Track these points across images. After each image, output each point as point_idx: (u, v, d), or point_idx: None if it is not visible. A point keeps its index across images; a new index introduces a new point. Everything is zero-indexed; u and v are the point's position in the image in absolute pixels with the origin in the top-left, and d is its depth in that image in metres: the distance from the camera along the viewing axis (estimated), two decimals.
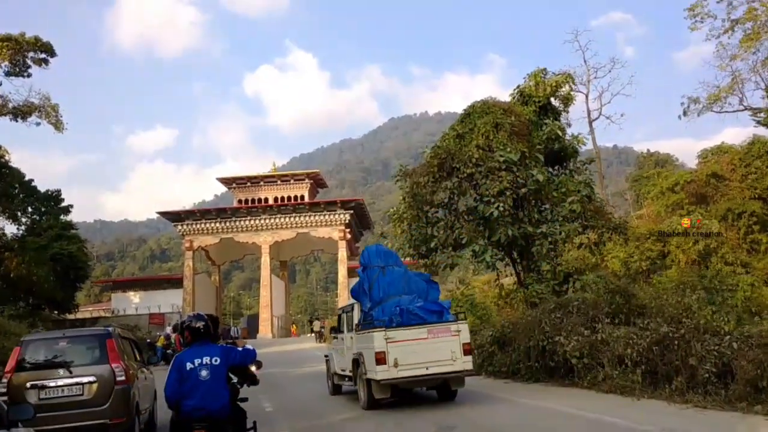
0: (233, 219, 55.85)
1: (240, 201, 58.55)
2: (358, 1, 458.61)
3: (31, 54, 45.21)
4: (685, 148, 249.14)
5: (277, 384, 18.57)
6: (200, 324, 5.81)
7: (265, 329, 53.37)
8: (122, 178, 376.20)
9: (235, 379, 6.14)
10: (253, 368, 6.39)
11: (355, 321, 13.39)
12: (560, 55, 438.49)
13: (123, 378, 9.34)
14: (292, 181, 59.75)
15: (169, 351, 31.58)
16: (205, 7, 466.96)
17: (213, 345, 5.83)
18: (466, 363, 11.65)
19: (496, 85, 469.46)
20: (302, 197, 58.49)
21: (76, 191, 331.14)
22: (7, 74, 45.17)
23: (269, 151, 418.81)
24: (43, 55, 45.47)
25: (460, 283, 26.52)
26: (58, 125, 46.22)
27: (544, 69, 21.26)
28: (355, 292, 13.80)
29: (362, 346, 12.42)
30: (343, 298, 53.80)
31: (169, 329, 35.88)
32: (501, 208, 17.04)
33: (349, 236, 56.05)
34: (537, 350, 13.37)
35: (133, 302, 56.40)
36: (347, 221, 55.30)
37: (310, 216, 55.33)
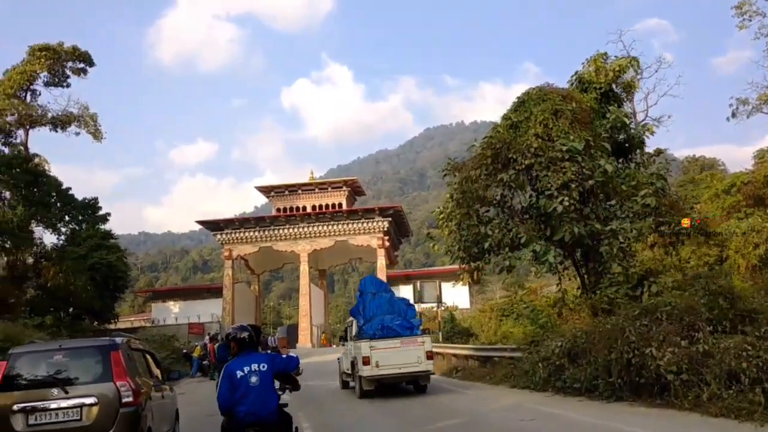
0: (272, 228, 54.42)
1: (278, 210, 57.15)
2: (391, 14, 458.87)
3: (69, 64, 44.60)
4: (727, 154, 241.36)
5: (314, 398, 16.63)
6: (245, 334, 6.05)
7: (304, 339, 51.65)
8: (164, 191, 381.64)
9: (277, 385, 6.14)
10: (294, 374, 6.46)
11: (353, 333, 17.39)
12: None
13: (130, 398, 7.49)
14: (329, 189, 58.16)
15: (205, 362, 29.95)
16: (242, 24, 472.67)
17: (258, 353, 6.11)
18: (429, 365, 15.99)
19: None
20: (340, 205, 56.84)
21: (121, 205, 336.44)
22: (47, 84, 44.57)
23: (306, 163, 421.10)
24: (81, 65, 44.82)
25: (519, 287, 24.68)
26: (96, 135, 45.49)
27: (605, 53, 19.05)
28: (353, 312, 17.81)
29: (356, 352, 16.21)
30: None
31: (206, 339, 34.32)
32: (566, 203, 14.88)
33: (387, 244, 54.10)
34: (620, 364, 11.16)
35: (173, 312, 55.32)
36: (385, 229, 53.39)
37: (348, 224, 53.60)
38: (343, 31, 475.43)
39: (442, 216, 18.25)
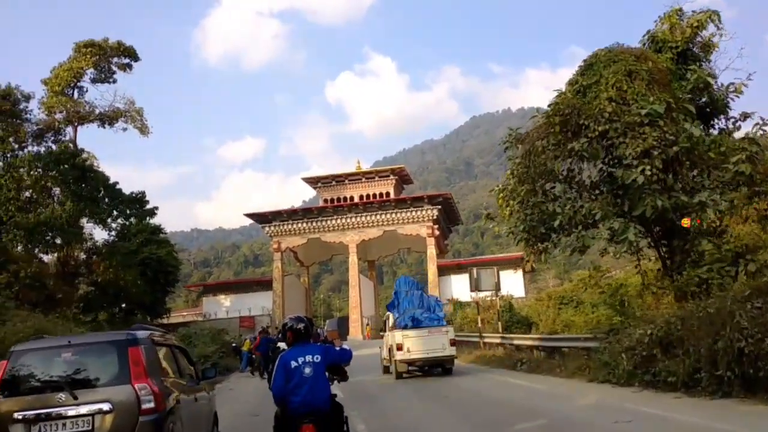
0: (319, 219, 53.40)
1: (325, 201, 56.13)
2: (433, 3, 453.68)
3: (114, 59, 44.17)
4: None
5: (368, 396, 15.20)
6: (301, 326, 6.02)
7: (355, 330, 50.50)
8: (214, 188, 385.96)
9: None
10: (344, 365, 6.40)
11: (390, 325, 20.23)
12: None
13: (151, 404, 6.12)
14: (377, 178, 56.79)
15: (254, 356, 28.95)
16: (286, 20, 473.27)
17: (313, 344, 6.08)
18: (452, 351, 18.47)
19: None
20: (387, 194, 55.45)
21: (173, 203, 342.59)
22: (93, 81, 44.23)
23: (352, 155, 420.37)
24: (126, 60, 44.32)
25: (594, 269, 22.83)
26: (143, 129, 45.00)
27: (680, 9, 16.94)
28: (389, 307, 21.13)
29: (392, 341, 18.70)
30: None
31: (257, 332, 33.33)
32: (647, 173, 13.00)
33: (437, 233, 52.47)
34: (730, 354, 9.35)
35: (224, 306, 54.92)
36: (435, 217, 51.74)
37: (396, 213, 52.17)
38: (385, 23, 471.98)
39: (502, 195, 16.55)
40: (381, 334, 23.49)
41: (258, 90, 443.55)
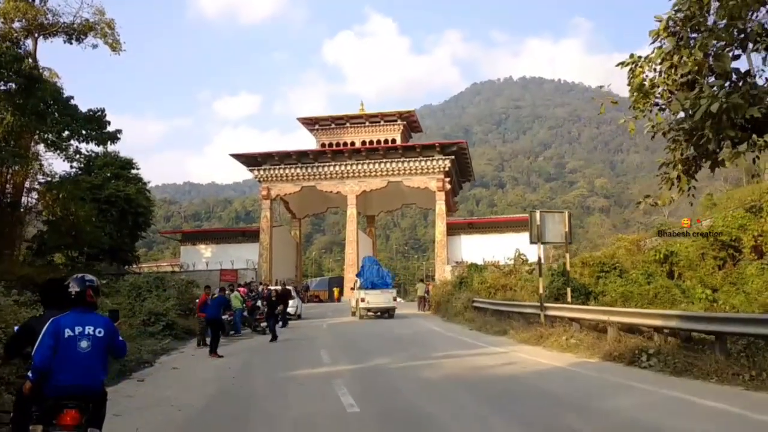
0: (316, 165, 46.11)
1: (323, 146, 48.76)
2: None
3: None
4: None
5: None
6: (78, 289, 4.53)
7: (351, 292, 43.60)
8: (208, 142, 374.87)
9: None
10: None
11: (357, 286, 28.31)
12: (650, 14, 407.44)
13: None
14: (382, 123, 49.35)
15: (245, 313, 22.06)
16: None
17: (99, 315, 4.65)
18: (394, 304, 27.44)
19: (582, 50, 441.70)
20: (393, 141, 48.14)
21: (167, 154, 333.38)
22: None
23: None
24: None
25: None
26: (114, 46, 37.07)
27: None
28: (358, 275, 29.91)
29: (358, 296, 27.30)
30: (442, 258, 43.45)
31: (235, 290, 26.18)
32: None
33: (448, 187, 45.32)
34: None
35: (205, 256, 47.89)
36: (447, 169, 44.57)
37: (403, 162, 44.96)
38: None
39: (640, 67, 9.37)
40: (352, 289, 32.32)
41: (255, 45, 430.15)
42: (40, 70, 33.05)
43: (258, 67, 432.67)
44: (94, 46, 37.15)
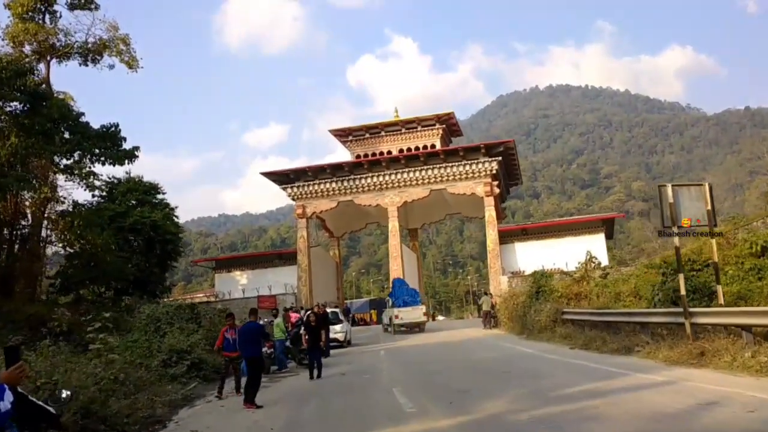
0: (352, 177, 42.27)
1: (358, 157, 44.96)
2: None
3: None
4: None
5: None
6: None
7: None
8: (240, 175, 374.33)
9: None
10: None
11: (390, 305, 30.76)
12: (674, 17, 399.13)
13: None
14: (419, 128, 45.39)
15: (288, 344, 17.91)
16: (305, 2, 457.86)
17: None
18: (424, 318, 31.04)
19: (607, 54, 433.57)
20: (432, 147, 44.13)
21: (201, 188, 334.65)
22: (70, 7, 33.53)
23: None
24: None
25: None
26: (131, 63, 34.00)
27: None
28: (390, 295, 32.04)
29: (392, 312, 29.63)
30: (496, 269, 39.07)
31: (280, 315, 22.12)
32: None
33: (497, 191, 40.99)
34: None
35: (240, 283, 44.27)
36: (494, 171, 40.30)
37: (445, 168, 40.84)
38: (405, 3, 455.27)
39: None
40: (385, 309, 34.54)
41: (279, 75, 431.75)
42: (55, 95, 30.13)
43: (284, 95, 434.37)
44: (111, 67, 34.10)
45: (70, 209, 27.68)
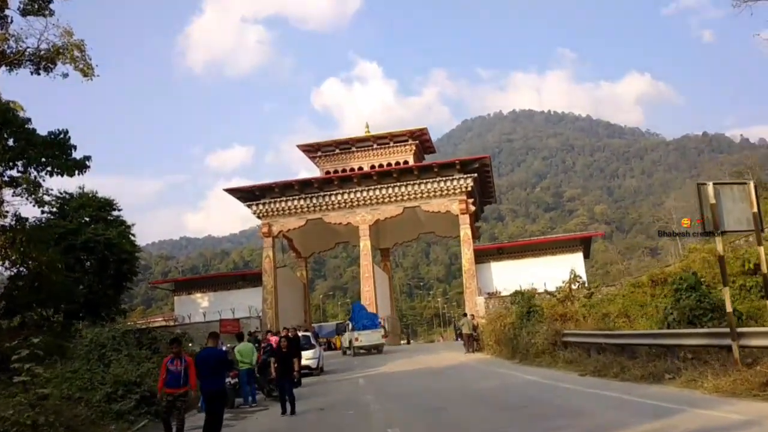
0: (322, 194, 40.14)
1: (328, 173, 42.88)
2: (416, 9, 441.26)
3: None
4: None
5: None
6: None
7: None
8: (202, 197, 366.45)
9: None
10: None
11: (350, 328, 31.81)
12: (633, 46, 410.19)
13: None
14: (391, 144, 43.59)
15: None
16: (270, 26, 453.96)
17: None
18: (383, 341, 31.05)
19: (568, 80, 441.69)
20: (405, 163, 42.35)
21: (163, 211, 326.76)
22: (23, 12, 30.85)
23: None
24: None
25: None
26: (86, 71, 31.04)
27: None
28: (350, 319, 33.08)
29: (352, 335, 30.74)
30: (472, 290, 37.26)
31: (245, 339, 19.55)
32: None
33: (472, 208, 39.35)
34: None
35: (201, 306, 41.46)
36: (469, 188, 38.67)
37: (419, 184, 39.05)
38: (370, 29, 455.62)
39: None
40: (344, 332, 34.56)
41: (243, 97, 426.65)
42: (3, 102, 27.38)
43: (248, 117, 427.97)
44: (65, 75, 31.09)
45: (12, 224, 24.91)
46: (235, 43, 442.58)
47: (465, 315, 28.90)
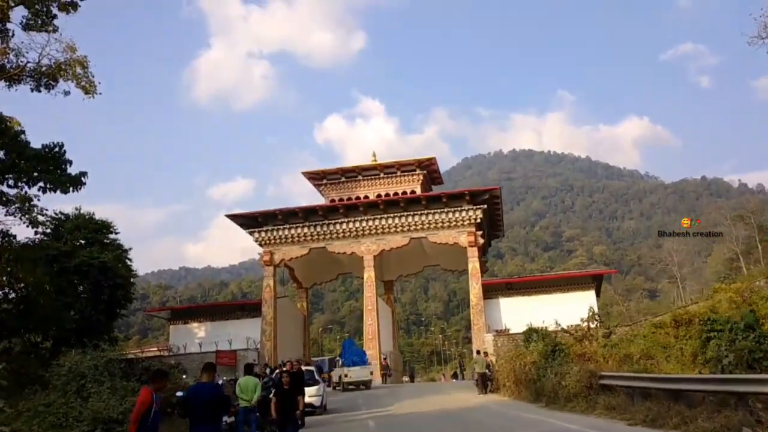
0: (326, 222, 38.48)
1: (332, 202, 41.30)
2: (419, 49, 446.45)
3: None
4: None
5: None
6: None
7: (374, 371, 35.04)
8: (203, 228, 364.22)
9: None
10: None
11: (340, 364, 32.51)
12: (632, 90, 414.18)
13: None
14: (398, 173, 42.14)
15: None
16: (275, 61, 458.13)
17: None
18: (371, 377, 31.91)
19: (567, 122, 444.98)
20: (413, 193, 40.82)
21: (163, 240, 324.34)
22: (26, 27, 29.66)
23: None
24: None
25: None
26: (88, 88, 29.67)
27: None
28: (341, 355, 33.63)
29: (341, 371, 31.64)
30: (479, 326, 35.38)
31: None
32: None
33: (481, 241, 37.68)
34: None
35: (198, 336, 39.40)
36: (478, 220, 37.06)
37: (427, 215, 37.45)
38: (373, 67, 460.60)
39: None
40: (334, 368, 35.24)
41: (247, 130, 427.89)
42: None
43: (250, 150, 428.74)
44: (66, 93, 29.66)
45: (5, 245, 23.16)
46: (240, 77, 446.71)
47: (478, 352, 26.71)
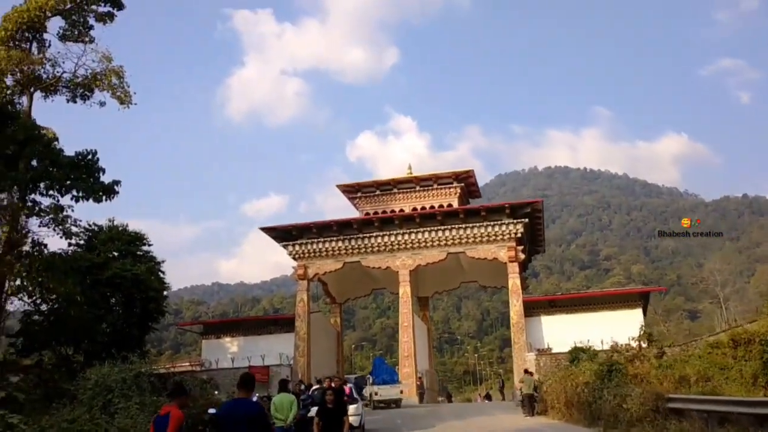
0: (361, 236, 37.61)
1: (367, 215, 40.48)
2: (451, 65, 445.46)
3: (93, 6, 29.91)
4: None
5: None
6: None
7: (409, 390, 33.86)
8: (237, 243, 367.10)
9: None
10: None
11: (371, 382, 31.97)
12: (669, 105, 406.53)
13: None
14: (435, 186, 41.14)
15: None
16: (308, 78, 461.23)
17: None
18: (401, 396, 31.33)
19: (604, 138, 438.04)
20: (449, 206, 39.76)
21: (197, 256, 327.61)
22: (62, 37, 29.79)
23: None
24: (107, 8, 29.98)
25: None
26: (124, 98, 29.72)
27: None
28: (371, 373, 33.55)
29: (372, 390, 30.98)
30: (520, 345, 33.99)
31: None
32: None
33: (522, 256, 36.34)
34: None
35: (230, 351, 38.74)
36: (519, 235, 35.75)
37: (465, 229, 36.28)
38: (406, 83, 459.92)
39: None
40: (367, 386, 31.84)
41: (280, 147, 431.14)
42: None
43: (284, 168, 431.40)
44: (102, 104, 29.82)
45: (29, 250, 22.78)
46: (274, 94, 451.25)
47: (526, 371, 25.28)
